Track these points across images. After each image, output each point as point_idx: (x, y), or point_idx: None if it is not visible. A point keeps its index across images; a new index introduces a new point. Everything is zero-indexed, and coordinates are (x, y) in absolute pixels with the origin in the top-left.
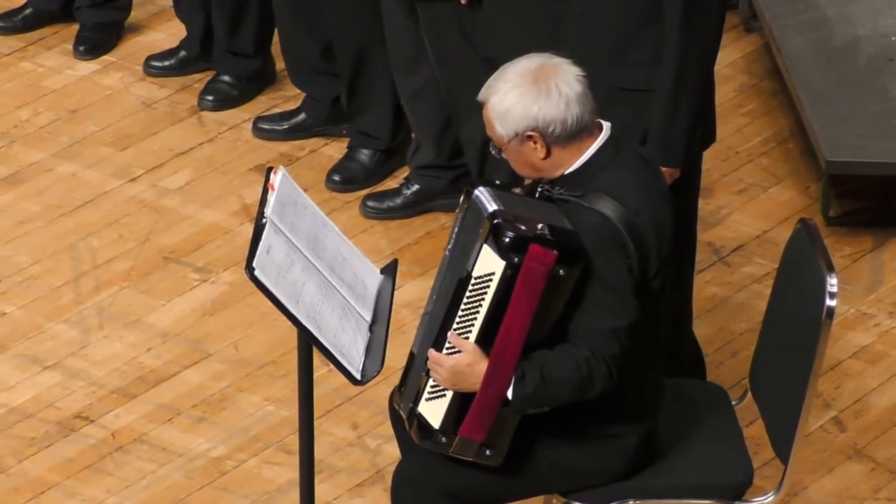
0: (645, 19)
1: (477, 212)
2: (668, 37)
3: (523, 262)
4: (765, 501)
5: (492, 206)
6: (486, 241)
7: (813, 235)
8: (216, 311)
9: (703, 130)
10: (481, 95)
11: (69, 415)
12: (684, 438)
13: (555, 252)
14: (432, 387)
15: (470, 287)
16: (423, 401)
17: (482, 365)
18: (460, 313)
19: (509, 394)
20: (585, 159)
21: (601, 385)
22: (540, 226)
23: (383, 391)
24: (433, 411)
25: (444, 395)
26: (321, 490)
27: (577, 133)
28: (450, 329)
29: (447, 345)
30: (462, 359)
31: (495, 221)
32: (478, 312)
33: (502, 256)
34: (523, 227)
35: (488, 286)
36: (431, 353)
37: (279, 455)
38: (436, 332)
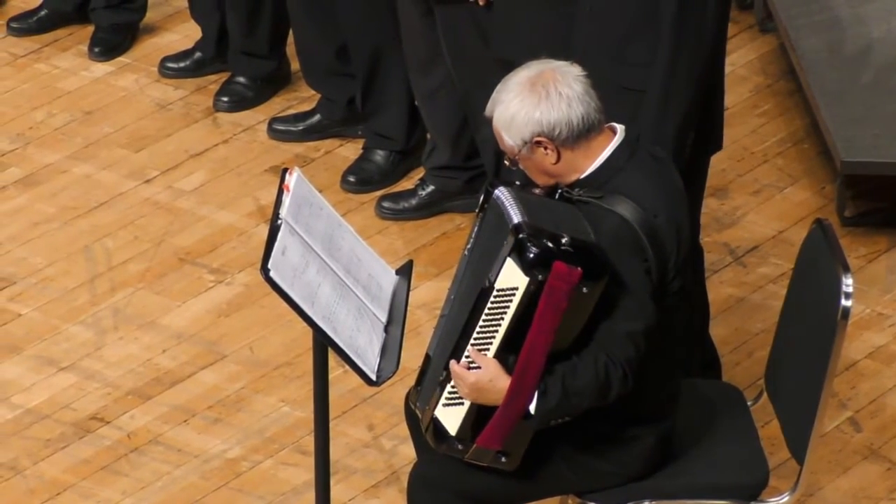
0: (646, 18)
1: (498, 214)
2: (662, 36)
3: (547, 280)
4: (780, 502)
5: (516, 217)
6: (509, 255)
7: (828, 236)
8: (231, 312)
9: (706, 135)
10: (487, 111)
11: (84, 416)
12: (700, 439)
13: (579, 269)
14: (450, 393)
15: (492, 299)
16: (440, 406)
17: (503, 381)
18: (481, 324)
19: (531, 408)
20: (601, 162)
21: (617, 389)
22: (564, 239)
23: (399, 392)
24: (450, 418)
25: (462, 403)
26: (337, 491)
27: (585, 133)
28: (469, 339)
29: (465, 355)
30: (483, 375)
31: (520, 236)
32: (499, 326)
33: (526, 272)
34: (549, 244)
35: (511, 300)
36: (453, 366)
37: (295, 456)
38: (455, 340)
